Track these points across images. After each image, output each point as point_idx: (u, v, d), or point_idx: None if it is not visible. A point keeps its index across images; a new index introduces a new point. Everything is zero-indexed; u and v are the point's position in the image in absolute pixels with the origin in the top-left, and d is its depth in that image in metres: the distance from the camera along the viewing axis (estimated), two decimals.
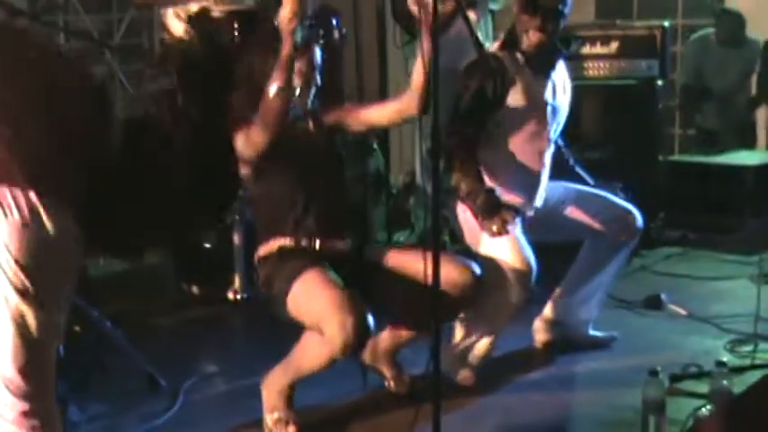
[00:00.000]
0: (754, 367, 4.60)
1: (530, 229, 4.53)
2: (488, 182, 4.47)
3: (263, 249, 4.15)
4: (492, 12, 6.04)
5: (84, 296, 5.02)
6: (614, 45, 6.78)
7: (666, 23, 6.92)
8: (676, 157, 8.14)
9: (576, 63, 6.72)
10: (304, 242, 4.09)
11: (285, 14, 3.86)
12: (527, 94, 4.46)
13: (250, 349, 5.06)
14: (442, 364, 3.67)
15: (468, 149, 4.36)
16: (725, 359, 4.20)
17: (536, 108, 4.50)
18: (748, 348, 4.84)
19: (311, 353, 3.94)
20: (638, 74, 6.74)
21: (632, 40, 6.79)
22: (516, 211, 4.37)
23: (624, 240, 4.76)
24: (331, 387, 4.49)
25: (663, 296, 5.56)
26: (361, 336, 3.76)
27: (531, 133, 4.52)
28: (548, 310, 4.94)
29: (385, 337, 4.38)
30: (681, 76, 8.46)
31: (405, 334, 4.33)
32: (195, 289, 5.96)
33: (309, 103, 4.18)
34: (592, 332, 4.97)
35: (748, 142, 8.38)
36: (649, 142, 6.88)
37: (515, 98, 4.44)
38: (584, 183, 4.85)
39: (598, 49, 6.77)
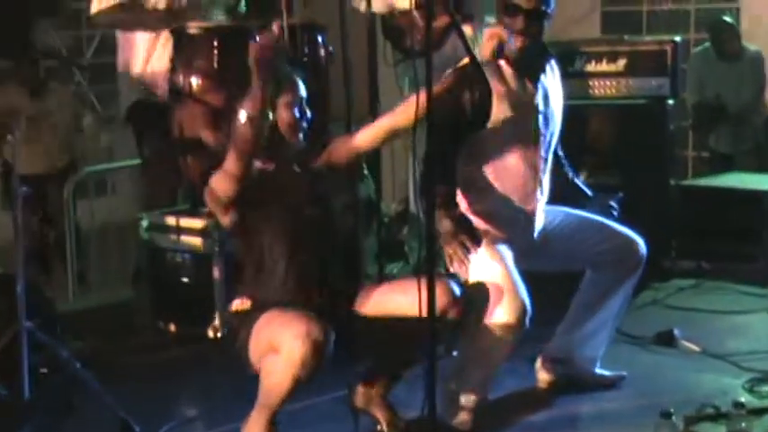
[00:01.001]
0: None
1: (525, 257, 4.54)
2: (478, 204, 4.50)
3: (238, 304, 4.22)
4: (489, 25, 6.07)
5: (53, 335, 5.03)
6: (622, 62, 6.81)
7: (678, 38, 6.95)
8: (689, 182, 8.17)
9: (581, 81, 6.78)
10: (277, 299, 4.15)
11: (259, 43, 3.90)
12: (514, 104, 4.46)
13: (232, 391, 5.05)
14: (438, 407, 3.69)
15: (445, 170, 4.36)
16: (743, 399, 4.21)
17: (525, 118, 4.50)
18: None
19: (274, 378, 3.94)
20: (647, 92, 6.76)
21: (641, 56, 6.82)
22: (479, 240, 4.35)
23: (627, 272, 4.77)
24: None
25: (676, 331, 5.56)
26: (318, 346, 3.79)
27: (522, 145, 4.51)
28: (551, 348, 4.95)
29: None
30: (692, 94, 8.51)
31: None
32: (173, 326, 5.97)
33: (300, 138, 4.22)
34: (599, 371, 4.97)
35: (765, 165, 8.42)
36: (660, 166, 6.91)
37: (502, 108, 4.43)
38: (584, 195, 4.86)
39: (604, 66, 6.80)
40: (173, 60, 5.87)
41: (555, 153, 4.78)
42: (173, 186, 6.35)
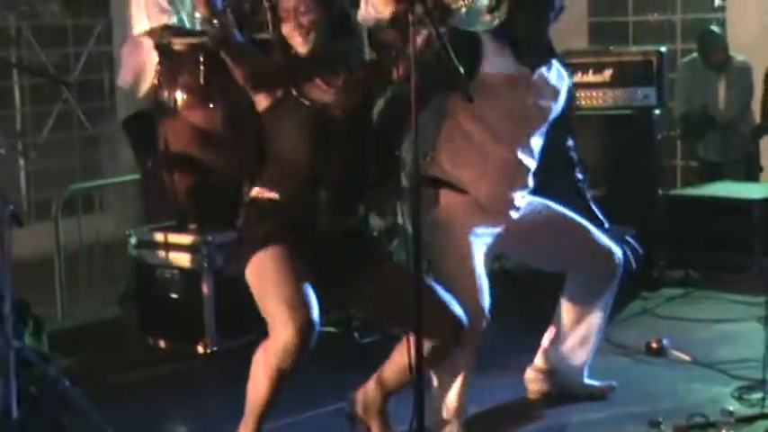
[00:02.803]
0: (763, 416, 4.59)
1: (503, 241, 4.56)
2: (461, 171, 4.49)
3: (257, 191, 4.21)
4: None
5: (41, 353, 5.03)
6: (608, 72, 6.84)
7: (663, 48, 6.98)
8: (677, 191, 8.19)
9: None
10: (299, 213, 4.15)
11: None
12: (504, 77, 4.45)
13: (222, 407, 5.03)
14: (427, 420, 3.70)
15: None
16: (732, 408, 4.22)
17: (513, 90, 4.49)
18: (758, 396, 4.81)
19: (259, 374, 3.99)
20: (633, 103, 6.80)
21: (627, 66, 6.85)
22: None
23: (602, 281, 4.77)
24: None
25: (665, 341, 5.57)
26: (303, 338, 3.85)
27: (510, 124, 4.48)
28: (539, 359, 4.95)
29: (372, 387, 4.41)
30: (679, 105, 8.54)
31: (391, 381, 4.34)
32: (162, 343, 5.97)
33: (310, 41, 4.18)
34: (588, 380, 4.97)
35: (753, 174, 8.45)
36: (648, 176, 6.92)
37: (491, 77, 4.42)
38: (599, 224, 4.83)
39: (590, 77, 6.83)
40: (158, 76, 5.88)
41: (574, 176, 4.84)
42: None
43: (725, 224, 7.14)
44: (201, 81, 5.78)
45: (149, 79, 6.12)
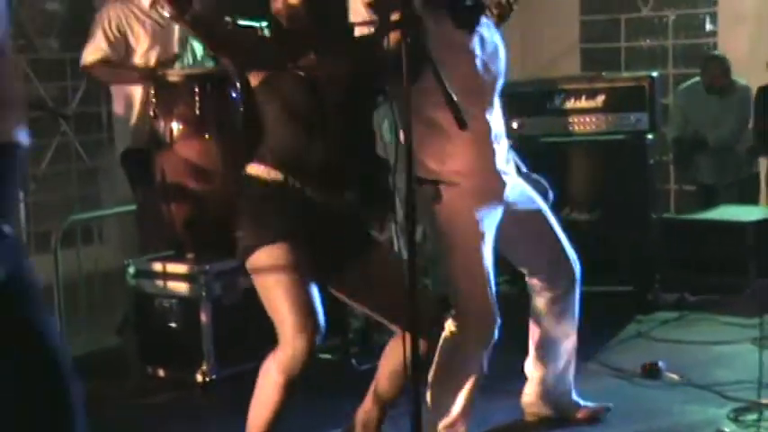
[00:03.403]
0: None
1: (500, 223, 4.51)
2: (450, 159, 4.42)
3: (253, 168, 4.18)
4: None
5: None
6: (600, 98, 6.88)
7: (655, 73, 7.02)
8: (671, 215, 8.20)
9: (560, 118, 6.84)
10: (293, 182, 4.13)
11: None
12: (450, 52, 4.31)
13: None
14: None
15: None
16: (728, 429, 4.22)
17: (464, 60, 4.40)
18: (753, 417, 4.84)
19: (267, 383, 4.02)
20: (626, 128, 6.83)
21: (619, 92, 6.90)
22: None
23: (560, 292, 4.76)
24: None
25: (660, 363, 5.59)
26: (312, 344, 3.92)
27: (466, 90, 4.25)
28: (532, 384, 4.95)
29: (369, 405, 4.43)
30: (673, 129, 8.57)
31: (385, 389, 4.35)
32: (161, 372, 5.98)
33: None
34: (584, 402, 4.98)
35: (750, 196, 8.46)
36: (641, 200, 6.95)
37: (438, 54, 4.14)
38: (517, 168, 4.74)
39: (583, 102, 6.86)
40: (154, 107, 5.90)
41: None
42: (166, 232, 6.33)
43: (719, 247, 7.16)
44: (197, 112, 5.80)
45: (135, 116, 6.18)
